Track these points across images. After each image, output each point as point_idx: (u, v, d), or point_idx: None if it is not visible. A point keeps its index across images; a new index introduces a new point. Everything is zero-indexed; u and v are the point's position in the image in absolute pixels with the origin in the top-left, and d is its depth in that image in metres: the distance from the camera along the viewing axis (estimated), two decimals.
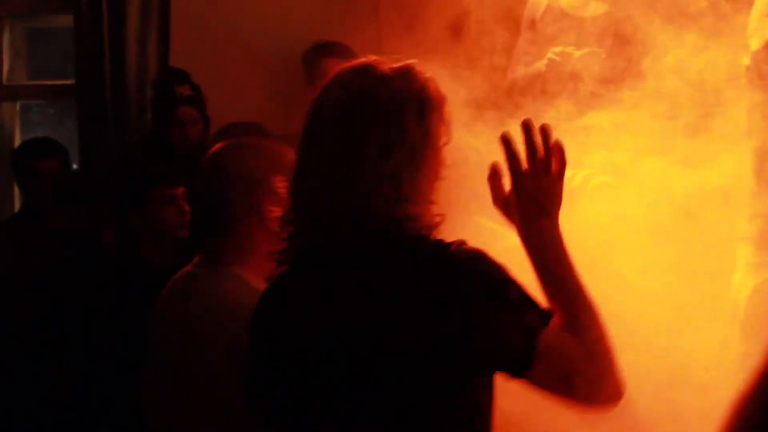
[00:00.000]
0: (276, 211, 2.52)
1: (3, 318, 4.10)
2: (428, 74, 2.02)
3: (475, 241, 1.97)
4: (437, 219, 1.96)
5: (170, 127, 4.47)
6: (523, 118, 1.99)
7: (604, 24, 3.04)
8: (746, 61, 2.61)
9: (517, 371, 1.87)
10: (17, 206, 4.94)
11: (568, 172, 2.46)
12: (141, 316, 2.78)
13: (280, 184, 2.57)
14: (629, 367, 1.99)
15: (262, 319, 2.11)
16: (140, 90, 4.75)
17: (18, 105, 5.35)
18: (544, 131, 1.94)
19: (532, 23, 3.35)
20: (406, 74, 2.00)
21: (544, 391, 1.88)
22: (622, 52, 2.91)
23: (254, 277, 2.54)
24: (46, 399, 4.04)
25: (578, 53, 3.08)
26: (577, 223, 2.59)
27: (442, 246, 1.92)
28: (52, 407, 4.02)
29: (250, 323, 2.14)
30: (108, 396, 3.69)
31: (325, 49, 4.63)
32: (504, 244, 2.09)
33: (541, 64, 3.19)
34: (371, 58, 2.04)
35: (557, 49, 3.13)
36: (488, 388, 1.96)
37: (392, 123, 1.94)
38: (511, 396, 2.03)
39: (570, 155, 2.03)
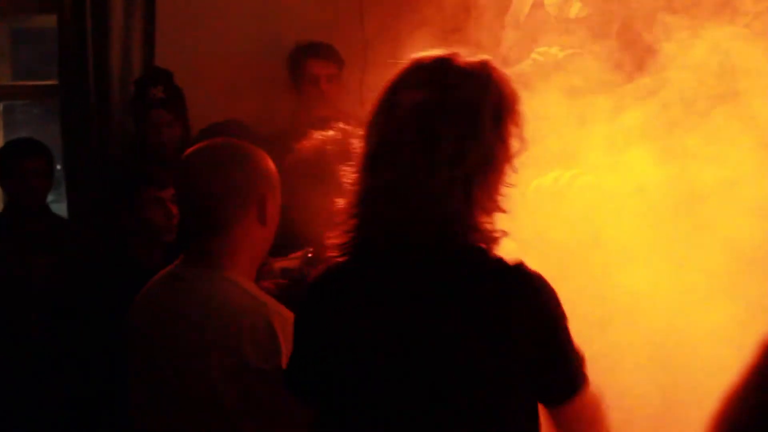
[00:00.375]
0: (273, 210, 2.55)
1: None
2: (504, 73, 1.97)
3: None
4: (498, 234, 1.92)
5: (145, 130, 4.46)
6: None
7: (590, 24, 3.05)
8: None
9: (557, 398, 1.92)
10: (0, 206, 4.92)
11: (555, 173, 2.48)
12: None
13: (276, 183, 2.58)
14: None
15: (315, 307, 2.07)
16: (124, 90, 4.73)
17: (1, 105, 5.32)
18: None
19: (517, 23, 3.36)
20: (484, 71, 1.94)
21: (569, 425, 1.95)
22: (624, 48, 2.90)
23: (243, 279, 2.53)
24: (34, 399, 4.03)
25: (562, 53, 3.08)
26: (564, 222, 2.60)
27: (505, 263, 1.90)
28: (42, 408, 4.01)
29: (299, 309, 2.13)
30: (95, 397, 3.68)
31: (309, 50, 4.63)
32: None
33: (525, 65, 3.19)
34: (448, 51, 1.96)
35: (541, 49, 3.13)
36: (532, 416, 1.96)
37: (469, 122, 1.89)
38: None
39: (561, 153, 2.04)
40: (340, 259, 2.02)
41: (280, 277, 2.98)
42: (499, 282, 1.88)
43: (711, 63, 2.63)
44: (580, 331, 1.95)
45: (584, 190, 2.69)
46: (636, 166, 2.58)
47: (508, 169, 1.94)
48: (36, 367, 4.05)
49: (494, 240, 1.92)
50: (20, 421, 4.04)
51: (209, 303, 2.49)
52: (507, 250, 1.96)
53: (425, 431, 1.91)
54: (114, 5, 4.73)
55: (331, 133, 2.83)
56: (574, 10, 3.20)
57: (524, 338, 1.86)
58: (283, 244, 3.06)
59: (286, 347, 2.37)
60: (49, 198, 4.53)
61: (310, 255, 3.02)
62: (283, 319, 2.44)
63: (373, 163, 1.96)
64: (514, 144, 1.94)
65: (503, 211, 1.94)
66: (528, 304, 1.88)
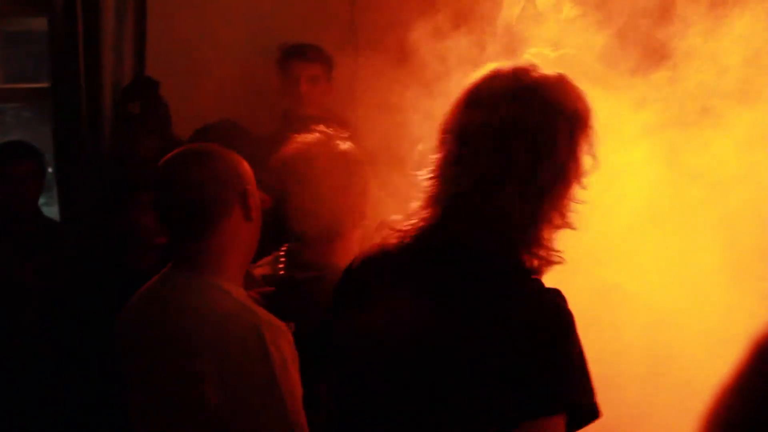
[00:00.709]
0: (256, 207, 2.54)
1: None
2: (579, 88, 1.98)
3: None
4: (555, 260, 1.94)
5: (121, 143, 4.49)
6: None
7: (583, 23, 3.04)
8: None
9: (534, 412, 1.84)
10: None
11: None
12: None
13: (253, 181, 2.58)
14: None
15: (351, 286, 2.13)
16: (116, 93, 4.72)
17: None
18: None
19: (508, 25, 3.35)
20: (560, 85, 1.96)
21: None
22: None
23: (229, 283, 2.52)
24: (28, 401, 4.03)
25: (554, 54, 3.08)
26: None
27: (545, 290, 1.90)
28: (37, 410, 4.00)
29: (337, 286, 2.17)
30: (90, 399, 3.68)
31: (293, 51, 4.63)
32: None
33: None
34: (524, 63, 1.99)
35: (533, 49, 3.13)
36: None
37: (543, 139, 1.90)
38: None
39: None
40: (384, 247, 2.07)
41: (265, 285, 2.97)
42: (521, 300, 1.89)
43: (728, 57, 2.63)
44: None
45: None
46: (635, 166, 2.58)
47: (577, 186, 1.95)
48: (29, 370, 4.04)
49: (549, 262, 1.94)
50: (15, 425, 4.03)
51: (198, 312, 2.47)
52: None
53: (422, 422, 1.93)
54: (105, 7, 4.72)
55: (314, 136, 2.83)
56: (567, 9, 3.20)
57: (524, 350, 1.86)
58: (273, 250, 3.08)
59: (278, 356, 2.38)
60: (41, 201, 4.53)
61: (282, 259, 3.00)
62: (274, 327, 2.44)
63: (447, 170, 1.98)
64: (586, 161, 1.95)
65: (572, 228, 1.96)
66: (538, 324, 1.87)
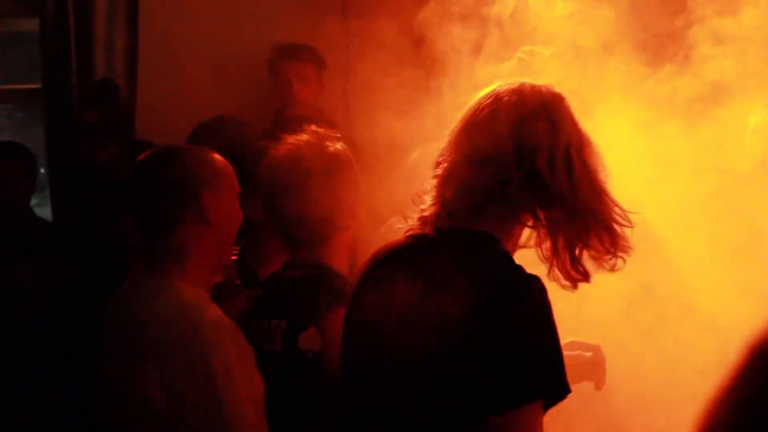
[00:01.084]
0: (217, 209, 2.57)
1: None
2: (570, 108, 2.05)
3: None
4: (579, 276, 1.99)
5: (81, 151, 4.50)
6: None
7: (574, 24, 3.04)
8: None
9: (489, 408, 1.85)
10: None
11: None
12: None
13: (219, 182, 2.60)
14: None
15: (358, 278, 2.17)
16: None
17: None
18: None
19: (500, 24, 3.35)
20: (560, 104, 2.04)
21: None
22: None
23: (185, 284, 2.54)
24: (21, 402, 4.03)
25: (547, 52, 3.08)
26: None
27: (520, 276, 1.93)
28: (30, 411, 4.00)
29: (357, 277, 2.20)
30: (88, 400, 3.67)
31: (283, 52, 4.62)
32: None
33: (510, 64, 3.18)
34: (523, 84, 2.05)
35: (526, 48, 3.13)
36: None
37: (538, 159, 1.97)
38: None
39: None
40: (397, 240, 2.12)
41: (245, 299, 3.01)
42: (496, 286, 1.91)
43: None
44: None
45: None
46: (631, 166, 2.59)
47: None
48: (26, 370, 4.04)
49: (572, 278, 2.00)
50: (14, 425, 4.03)
51: (144, 314, 2.51)
52: None
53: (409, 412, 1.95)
54: (97, 8, 4.72)
55: (305, 136, 2.83)
56: (559, 8, 3.19)
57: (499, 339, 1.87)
58: (265, 251, 3.09)
59: (220, 358, 2.40)
60: (34, 201, 4.52)
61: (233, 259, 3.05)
62: (219, 327, 2.46)
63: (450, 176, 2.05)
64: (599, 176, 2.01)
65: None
66: (514, 308, 1.88)
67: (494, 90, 2.06)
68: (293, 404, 2.67)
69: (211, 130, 4.06)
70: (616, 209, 2.00)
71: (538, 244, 2.02)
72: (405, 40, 3.30)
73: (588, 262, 2.00)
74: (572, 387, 1.90)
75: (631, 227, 2.00)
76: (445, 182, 2.05)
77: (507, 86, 2.05)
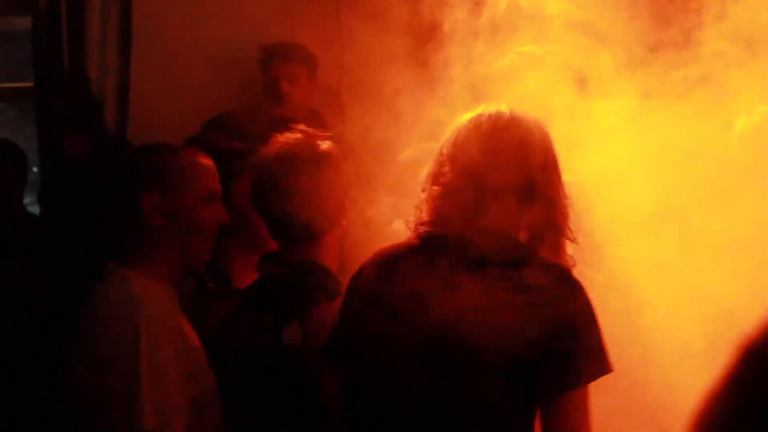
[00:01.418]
0: (167, 208, 2.65)
1: None
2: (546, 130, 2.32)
3: None
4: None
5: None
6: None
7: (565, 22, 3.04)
8: None
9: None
10: None
11: None
12: None
13: (168, 180, 2.69)
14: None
15: (358, 280, 2.41)
16: (101, 92, 4.71)
17: None
18: None
19: (492, 22, 3.34)
20: (538, 127, 2.32)
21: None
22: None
23: (149, 279, 2.64)
24: (13, 403, 4.03)
25: (541, 50, 3.07)
26: None
27: (564, 270, 2.27)
28: (22, 413, 4.00)
29: (348, 288, 2.45)
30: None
31: (272, 51, 4.61)
32: None
33: (504, 63, 3.18)
34: (500, 111, 2.32)
35: (521, 48, 3.12)
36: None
37: (519, 178, 2.26)
38: None
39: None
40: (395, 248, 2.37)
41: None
42: (544, 279, 2.20)
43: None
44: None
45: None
46: (627, 167, 2.60)
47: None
48: (13, 369, 4.03)
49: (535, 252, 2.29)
50: (12, 425, 4.03)
51: (95, 300, 2.65)
52: None
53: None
54: (89, 7, 4.71)
55: (295, 135, 2.85)
56: (550, 6, 3.19)
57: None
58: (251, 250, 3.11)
59: (149, 351, 2.50)
60: (27, 200, 4.52)
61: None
62: (155, 322, 2.55)
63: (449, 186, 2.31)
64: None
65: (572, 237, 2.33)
66: (569, 302, 2.20)
67: (486, 114, 2.33)
68: (277, 399, 2.69)
69: (223, 125, 4.06)
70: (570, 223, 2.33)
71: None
72: (397, 36, 3.29)
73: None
74: None
75: (576, 243, 2.34)
76: (443, 197, 2.30)
77: (498, 112, 2.33)
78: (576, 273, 2.29)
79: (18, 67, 5.42)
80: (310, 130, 2.86)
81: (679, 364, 2.44)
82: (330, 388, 2.48)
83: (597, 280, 2.42)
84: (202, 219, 2.69)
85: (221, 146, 3.88)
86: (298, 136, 2.85)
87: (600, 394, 2.23)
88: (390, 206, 2.82)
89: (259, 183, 2.86)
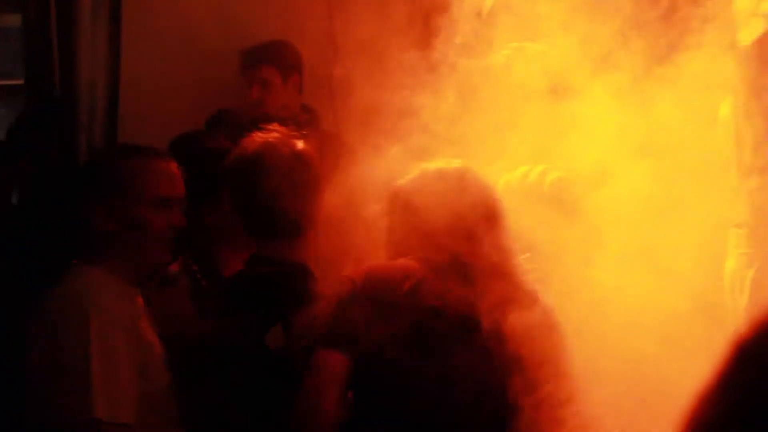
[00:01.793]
0: (105, 215, 2.75)
1: None
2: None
3: None
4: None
5: None
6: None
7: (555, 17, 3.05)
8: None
9: None
10: None
11: (523, 168, 2.56)
12: None
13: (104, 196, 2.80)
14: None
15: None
16: (91, 90, 4.69)
17: None
18: None
19: (478, 15, 3.34)
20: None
21: None
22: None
23: (108, 275, 2.74)
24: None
25: (534, 47, 3.08)
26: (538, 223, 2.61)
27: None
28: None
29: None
30: None
31: (247, 57, 4.57)
32: None
33: (497, 59, 3.18)
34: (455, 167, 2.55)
35: (513, 44, 3.13)
36: None
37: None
38: None
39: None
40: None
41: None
42: None
43: None
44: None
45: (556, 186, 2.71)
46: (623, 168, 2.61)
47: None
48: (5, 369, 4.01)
49: None
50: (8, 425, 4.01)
51: (55, 291, 2.77)
52: None
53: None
54: (80, 5, 4.69)
55: (270, 135, 2.86)
56: (540, 4, 3.20)
57: None
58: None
59: (99, 340, 2.59)
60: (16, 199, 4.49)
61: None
62: (105, 315, 2.64)
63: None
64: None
65: None
66: None
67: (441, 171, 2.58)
68: (259, 400, 2.69)
69: (222, 122, 4.07)
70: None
71: None
72: (389, 32, 3.30)
73: None
74: None
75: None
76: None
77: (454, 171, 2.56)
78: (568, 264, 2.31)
79: (8, 65, 5.41)
80: (286, 130, 2.88)
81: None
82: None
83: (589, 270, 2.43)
84: (152, 224, 2.74)
85: (209, 146, 3.90)
86: (275, 135, 2.86)
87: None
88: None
89: (233, 183, 2.88)
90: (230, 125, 3.93)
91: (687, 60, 2.64)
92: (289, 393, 2.56)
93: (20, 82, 4.85)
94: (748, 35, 2.58)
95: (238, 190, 2.89)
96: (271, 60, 4.50)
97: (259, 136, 2.86)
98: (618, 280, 2.52)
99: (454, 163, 2.59)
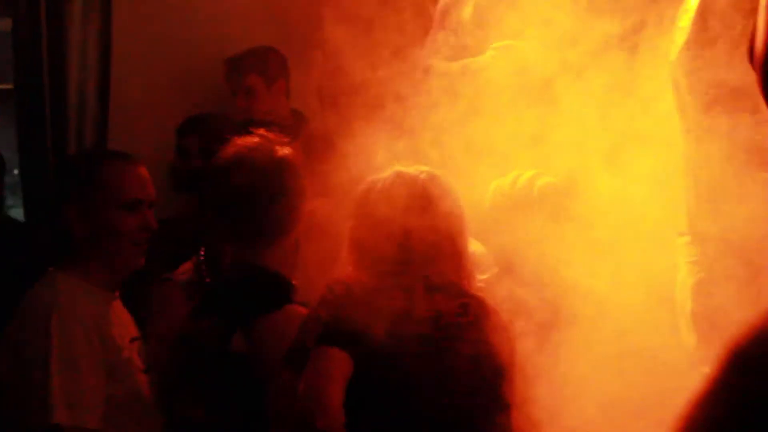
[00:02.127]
0: (75, 219, 2.80)
1: None
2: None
3: None
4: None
5: None
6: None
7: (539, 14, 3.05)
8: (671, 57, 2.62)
9: None
10: None
11: (513, 173, 2.57)
12: None
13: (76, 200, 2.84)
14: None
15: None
16: (81, 94, 4.69)
17: None
18: None
19: (446, 12, 3.33)
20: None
21: None
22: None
23: (82, 280, 2.79)
24: None
25: (520, 45, 3.07)
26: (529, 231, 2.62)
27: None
28: None
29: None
30: None
31: (230, 65, 4.55)
32: None
33: (484, 58, 3.17)
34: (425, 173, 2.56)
35: (498, 43, 3.12)
36: None
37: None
38: None
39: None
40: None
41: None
42: None
43: None
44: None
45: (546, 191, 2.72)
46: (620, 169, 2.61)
47: None
48: None
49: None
50: None
51: (29, 294, 2.81)
52: None
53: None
54: (70, 9, 4.68)
55: (253, 140, 2.85)
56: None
57: None
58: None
59: (60, 345, 2.62)
60: (8, 203, 4.49)
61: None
62: (70, 318, 2.67)
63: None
64: None
65: None
66: None
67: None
68: (226, 405, 2.69)
69: (202, 126, 4.06)
70: None
71: None
72: (379, 37, 3.29)
73: None
74: None
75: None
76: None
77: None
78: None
79: None
80: (268, 134, 2.88)
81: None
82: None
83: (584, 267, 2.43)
84: (122, 227, 2.75)
85: (197, 148, 3.90)
86: (257, 140, 2.86)
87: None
88: None
89: (211, 187, 2.88)
90: (208, 131, 3.92)
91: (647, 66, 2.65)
92: (251, 398, 2.60)
93: (10, 86, 4.85)
94: (673, 48, 2.59)
95: (215, 194, 2.88)
96: (255, 68, 4.50)
97: (238, 141, 2.85)
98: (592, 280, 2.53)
99: (422, 170, 2.58)
